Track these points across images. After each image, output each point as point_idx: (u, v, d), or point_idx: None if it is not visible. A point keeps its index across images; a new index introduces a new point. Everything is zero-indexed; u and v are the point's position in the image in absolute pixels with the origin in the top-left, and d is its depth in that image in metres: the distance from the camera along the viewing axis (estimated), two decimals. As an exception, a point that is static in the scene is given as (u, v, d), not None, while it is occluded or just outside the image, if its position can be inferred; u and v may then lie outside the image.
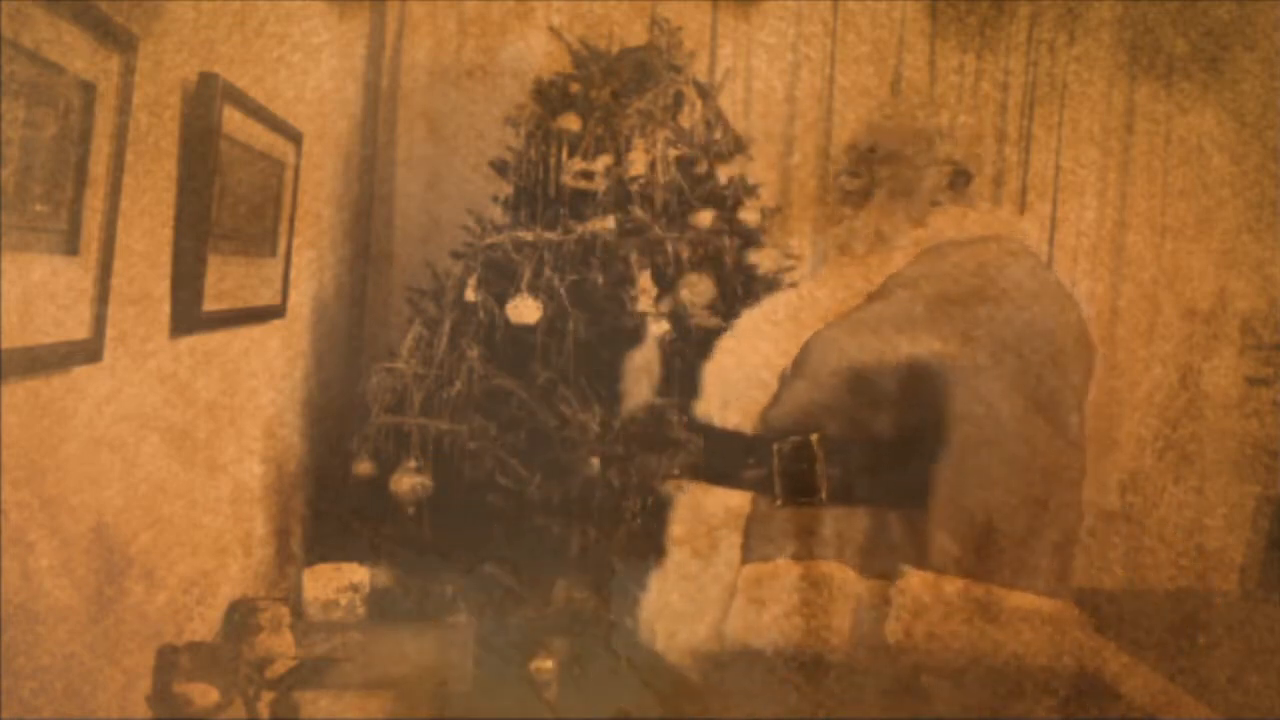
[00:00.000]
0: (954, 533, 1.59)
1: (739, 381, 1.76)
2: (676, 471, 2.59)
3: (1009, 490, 1.65)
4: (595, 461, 2.77)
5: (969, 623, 1.58)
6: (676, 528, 1.81)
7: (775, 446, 1.69)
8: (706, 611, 1.72)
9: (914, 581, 1.59)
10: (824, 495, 1.67)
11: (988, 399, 1.63)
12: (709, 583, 1.73)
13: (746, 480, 1.73)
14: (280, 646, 2.25)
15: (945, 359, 1.63)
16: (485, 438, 2.83)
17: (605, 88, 3.05)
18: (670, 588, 1.80)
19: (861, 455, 1.68)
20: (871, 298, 1.74)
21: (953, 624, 1.58)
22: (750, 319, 1.90)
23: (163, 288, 2.01)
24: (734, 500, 1.74)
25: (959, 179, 1.83)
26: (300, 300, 3.03)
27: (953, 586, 1.58)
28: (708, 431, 1.82)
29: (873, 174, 1.82)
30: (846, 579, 1.64)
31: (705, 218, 2.96)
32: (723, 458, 1.78)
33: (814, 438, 1.68)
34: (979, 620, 1.58)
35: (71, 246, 1.58)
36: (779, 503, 1.69)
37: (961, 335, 1.65)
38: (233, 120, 2.18)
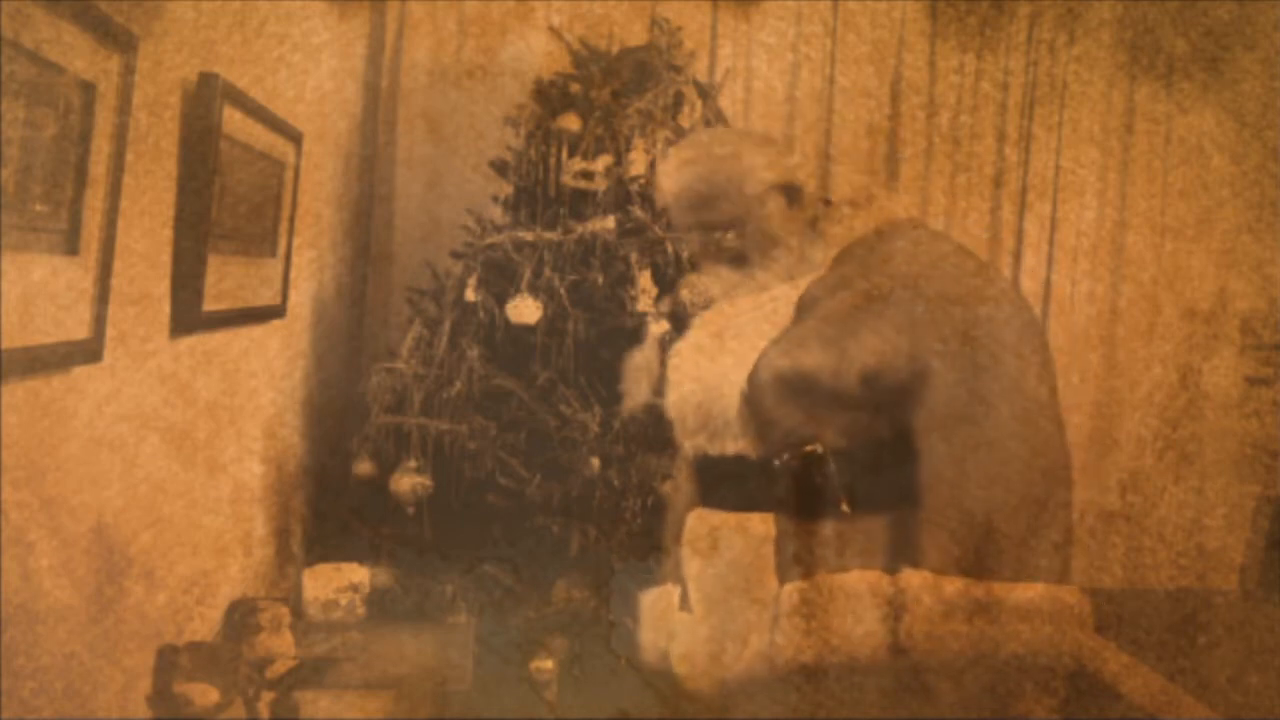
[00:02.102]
0: (954, 534, 1.59)
1: (716, 408, 1.73)
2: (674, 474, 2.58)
3: (1009, 490, 1.65)
4: (595, 461, 2.77)
5: (969, 622, 1.57)
6: (694, 562, 1.78)
7: (779, 463, 1.67)
8: (750, 638, 1.70)
9: (914, 581, 1.59)
10: (846, 505, 1.65)
11: (987, 399, 1.63)
12: (748, 610, 1.70)
13: (764, 502, 1.71)
14: (280, 646, 2.25)
15: (942, 359, 1.62)
16: (485, 438, 2.83)
17: (605, 88, 3.05)
18: (701, 622, 1.77)
19: (861, 460, 1.67)
20: (809, 306, 1.69)
21: (953, 624, 1.57)
22: (693, 342, 1.83)
23: (163, 288, 2.01)
24: (753, 523, 1.71)
25: (792, 194, 1.77)
26: (300, 300, 3.03)
27: (953, 586, 1.57)
28: (706, 462, 1.79)
29: (731, 226, 1.75)
30: (878, 585, 1.63)
31: (705, 218, 2.96)
32: (732, 484, 1.75)
33: (820, 449, 1.66)
34: (979, 620, 1.57)
35: (71, 246, 1.58)
36: (801, 518, 1.67)
37: (963, 335, 1.65)
38: (233, 120, 2.18)
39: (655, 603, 1.92)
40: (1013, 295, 1.76)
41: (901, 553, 1.62)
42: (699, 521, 1.77)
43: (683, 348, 1.83)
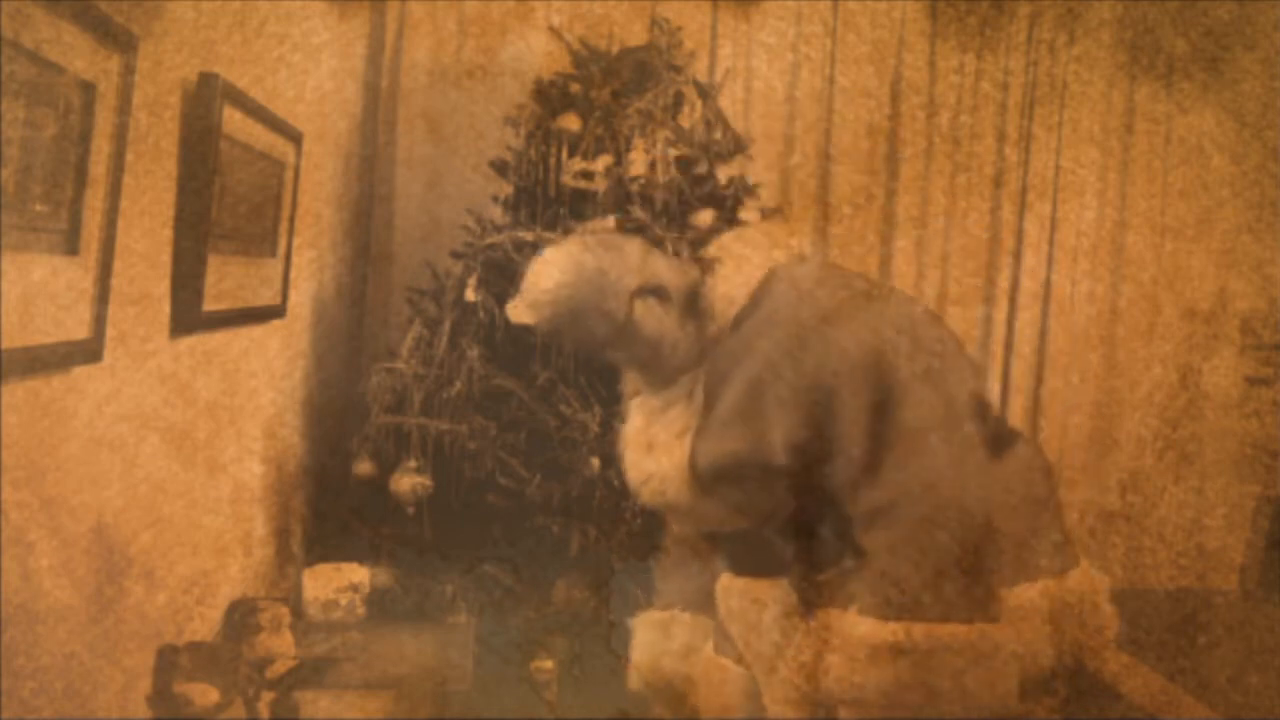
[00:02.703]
0: (954, 533, 1.59)
1: (681, 503, 1.71)
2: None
3: (1008, 490, 1.65)
4: (595, 461, 2.77)
5: (889, 665, 1.54)
6: (737, 627, 1.77)
7: (785, 526, 1.66)
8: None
9: (830, 621, 1.58)
10: (848, 553, 1.63)
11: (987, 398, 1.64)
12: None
13: (779, 565, 1.70)
14: (280, 646, 2.25)
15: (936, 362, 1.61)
16: (485, 438, 2.83)
17: (605, 88, 3.05)
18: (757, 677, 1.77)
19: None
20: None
21: (874, 667, 1.54)
22: (631, 432, 1.79)
23: (163, 288, 2.01)
24: (781, 586, 1.70)
25: (659, 293, 1.67)
26: (300, 300, 3.03)
27: (867, 628, 1.54)
28: (711, 535, 1.78)
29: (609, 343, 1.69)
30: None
31: (705, 218, 2.96)
32: (744, 551, 1.75)
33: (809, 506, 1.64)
34: (901, 663, 1.54)
35: (71, 246, 1.58)
36: (809, 571, 1.66)
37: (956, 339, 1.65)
38: (233, 120, 2.18)
39: (655, 627, 1.90)
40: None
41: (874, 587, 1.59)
42: (731, 590, 1.76)
43: (624, 439, 1.80)
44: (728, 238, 1.78)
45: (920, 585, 1.53)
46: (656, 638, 1.90)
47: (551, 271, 1.68)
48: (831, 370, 1.56)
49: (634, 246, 1.73)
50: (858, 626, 1.55)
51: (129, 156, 1.71)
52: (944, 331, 1.72)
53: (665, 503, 1.72)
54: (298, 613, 2.54)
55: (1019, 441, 1.74)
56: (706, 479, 1.64)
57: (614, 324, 1.67)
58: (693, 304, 1.69)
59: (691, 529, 1.82)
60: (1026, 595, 1.61)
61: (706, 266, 1.71)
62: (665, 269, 1.71)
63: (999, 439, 1.70)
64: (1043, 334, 3.98)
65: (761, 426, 1.57)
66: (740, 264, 1.70)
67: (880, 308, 1.65)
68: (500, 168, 3.12)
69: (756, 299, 1.66)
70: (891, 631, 1.54)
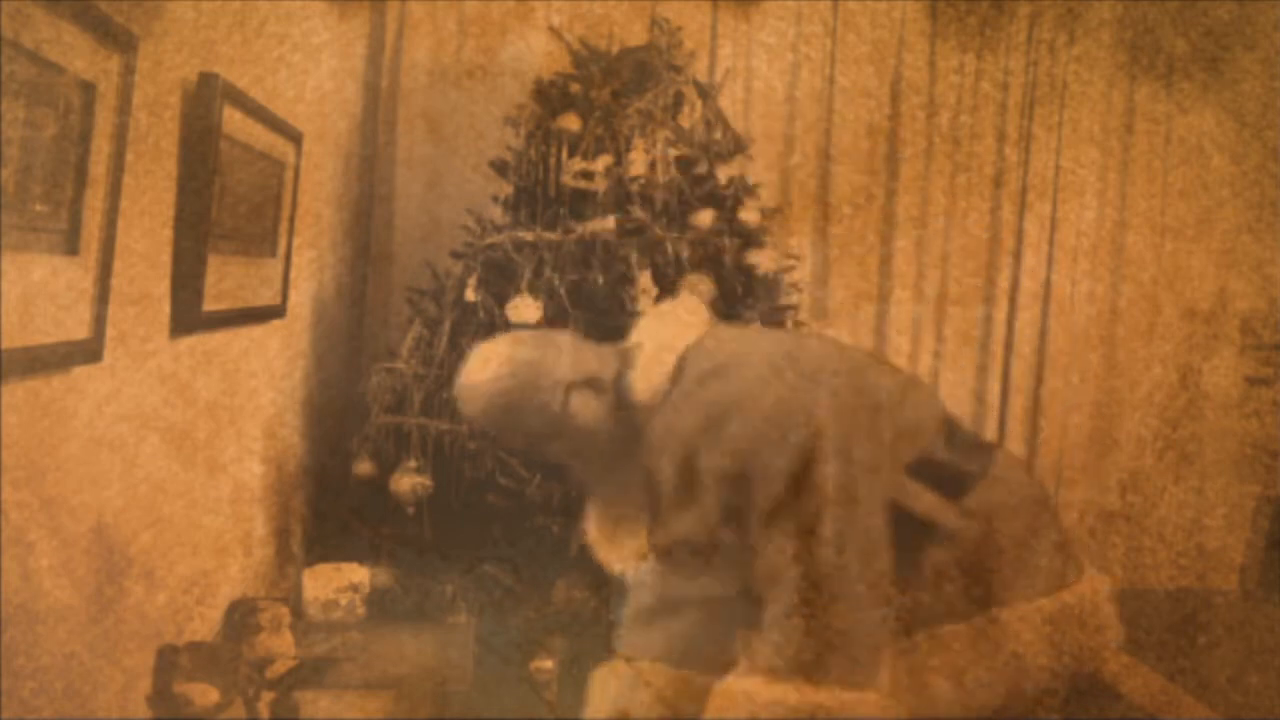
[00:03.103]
0: (956, 536, 1.59)
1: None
2: None
3: (1009, 491, 1.65)
4: (595, 461, 2.77)
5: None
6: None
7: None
8: None
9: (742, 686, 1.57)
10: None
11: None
12: None
13: None
14: (280, 646, 2.25)
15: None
16: (485, 438, 2.83)
17: (605, 88, 3.04)
18: None
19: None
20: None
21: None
22: (592, 526, 1.84)
23: (163, 288, 2.01)
24: None
25: (595, 385, 1.68)
26: (300, 300, 3.03)
27: (754, 685, 1.54)
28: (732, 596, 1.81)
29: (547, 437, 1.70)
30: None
31: (705, 218, 2.96)
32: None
33: None
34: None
35: (71, 246, 1.58)
36: None
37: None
38: (233, 120, 2.18)
39: (620, 678, 1.89)
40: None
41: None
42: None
43: (589, 534, 1.83)
44: (647, 320, 1.80)
45: (814, 648, 1.52)
46: (623, 689, 1.87)
47: (487, 366, 1.69)
48: (747, 438, 1.56)
49: (565, 340, 1.76)
50: (741, 681, 1.54)
51: (129, 156, 1.71)
52: (877, 375, 1.71)
53: (649, 581, 1.75)
54: (298, 613, 2.54)
55: (997, 452, 1.75)
56: (673, 560, 1.68)
57: (549, 416, 1.67)
58: (621, 393, 1.70)
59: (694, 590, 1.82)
60: (1029, 605, 1.61)
61: (626, 356, 1.72)
62: (595, 360, 1.72)
63: (979, 450, 1.71)
64: (1043, 334, 3.98)
65: (700, 504, 1.59)
66: (658, 347, 1.71)
67: (792, 372, 1.64)
68: (500, 168, 3.12)
69: (675, 380, 1.66)
70: (781, 690, 1.52)
